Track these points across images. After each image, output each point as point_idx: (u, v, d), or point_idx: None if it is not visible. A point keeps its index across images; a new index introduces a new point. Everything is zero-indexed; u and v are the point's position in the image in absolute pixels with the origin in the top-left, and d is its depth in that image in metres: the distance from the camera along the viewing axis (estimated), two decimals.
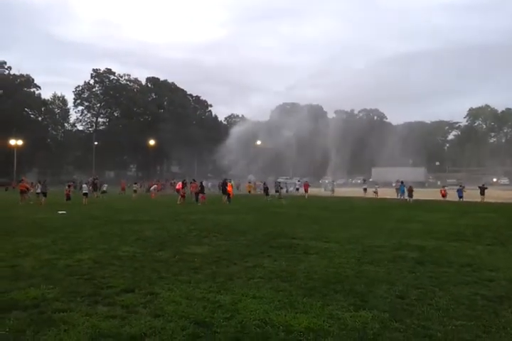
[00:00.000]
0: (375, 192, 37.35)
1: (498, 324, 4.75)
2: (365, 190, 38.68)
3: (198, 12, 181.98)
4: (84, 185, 29.65)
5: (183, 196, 27.24)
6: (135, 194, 33.71)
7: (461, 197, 31.36)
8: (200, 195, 26.98)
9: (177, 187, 30.36)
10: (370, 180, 79.66)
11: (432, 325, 4.70)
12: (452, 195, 32.23)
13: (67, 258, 8.22)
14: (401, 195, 33.39)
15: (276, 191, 34.07)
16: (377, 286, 6.29)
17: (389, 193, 36.25)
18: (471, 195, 31.34)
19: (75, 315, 4.95)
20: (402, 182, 35.13)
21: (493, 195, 33.16)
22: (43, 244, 10.06)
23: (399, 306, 5.35)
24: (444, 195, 32.82)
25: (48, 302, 5.41)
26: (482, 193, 31.08)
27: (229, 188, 28.57)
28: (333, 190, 42.13)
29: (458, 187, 33.05)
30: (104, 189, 35.39)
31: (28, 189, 27.63)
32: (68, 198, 26.25)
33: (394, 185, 36.78)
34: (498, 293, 5.94)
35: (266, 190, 32.23)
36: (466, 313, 5.10)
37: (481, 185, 32.46)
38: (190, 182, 30.36)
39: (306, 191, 39.00)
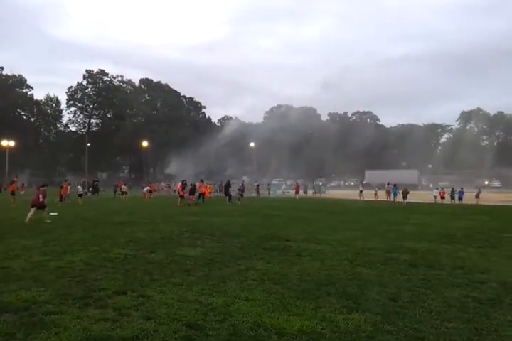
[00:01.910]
0: (360, 192, 37.81)
1: (490, 326, 4.78)
2: (360, 192, 38.75)
3: (194, 12, 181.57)
4: (79, 186, 29.75)
5: (181, 197, 27.21)
6: (126, 195, 33.68)
7: (460, 199, 31.84)
8: (189, 197, 26.97)
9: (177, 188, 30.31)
10: (364, 182, 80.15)
11: (424, 328, 4.71)
12: (446, 198, 32.88)
13: (58, 260, 8.15)
14: (394, 198, 33.68)
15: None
16: (369, 288, 6.30)
17: (380, 196, 36.44)
18: (467, 197, 31.99)
19: (66, 317, 4.91)
20: (395, 185, 35.36)
21: (484, 198, 33.47)
22: (34, 245, 9.98)
23: (391, 309, 5.36)
24: (442, 197, 33.40)
25: (39, 304, 5.36)
26: (477, 196, 31.75)
27: (207, 190, 29.03)
28: (319, 192, 42.44)
29: (459, 189, 33.64)
30: (125, 190, 35.44)
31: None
32: (60, 199, 26.02)
33: (386, 187, 36.88)
34: (489, 296, 5.98)
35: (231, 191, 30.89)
36: (458, 316, 5.12)
37: (478, 189, 33.52)
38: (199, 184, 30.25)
39: (297, 192, 39.31)
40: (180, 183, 29.81)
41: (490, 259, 8.82)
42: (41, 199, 15.54)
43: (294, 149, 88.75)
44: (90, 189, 37.47)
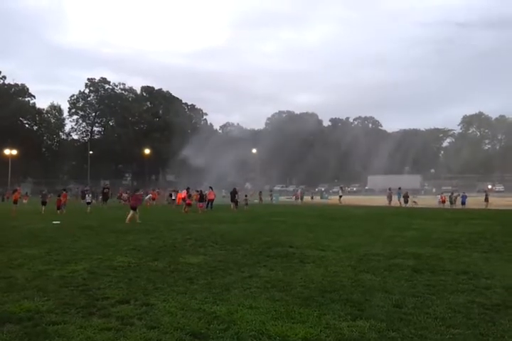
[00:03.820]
0: (340, 197, 39.28)
1: (495, 332, 4.73)
2: (340, 197, 39.59)
3: (195, 18, 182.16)
4: (87, 195, 30.29)
5: (188, 204, 27.47)
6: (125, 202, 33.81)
7: (463, 203, 31.75)
8: (199, 204, 27.25)
9: (182, 195, 30.48)
10: (366, 187, 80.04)
11: (429, 334, 4.67)
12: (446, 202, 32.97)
13: (61, 269, 8.14)
14: (399, 200, 34.20)
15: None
16: (373, 295, 6.26)
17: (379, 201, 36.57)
18: (470, 201, 31.93)
19: (69, 327, 4.89)
20: (399, 188, 36.32)
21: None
22: (37, 254, 9.97)
23: (396, 315, 5.32)
24: (443, 201, 33.56)
25: (42, 314, 5.34)
26: (486, 199, 31.96)
27: (211, 196, 29.41)
28: (301, 198, 43.02)
29: (461, 193, 33.72)
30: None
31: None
32: (58, 208, 26.15)
33: (387, 192, 37.16)
34: (494, 301, 5.93)
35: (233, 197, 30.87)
36: (463, 322, 5.08)
37: (486, 193, 34.10)
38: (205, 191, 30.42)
39: (301, 198, 40.17)
40: (184, 191, 29.97)
41: (495, 264, 8.76)
42: (138, 203, 19.67)
43: (296, 155, 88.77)
44: (100, 197, 37.21)
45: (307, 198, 45.83)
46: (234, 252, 10.36)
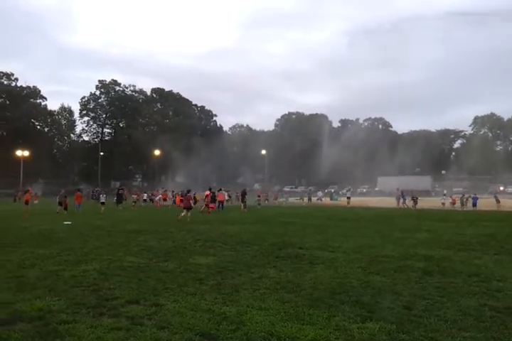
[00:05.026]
0: (348, 199, 38.73)
1: (508, 335, 4.69)
2: (348, 198, 39.39)
3: (203, 19, 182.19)
4: (101, 195, 30.59)
5: (207, 205, 27.92)
6: (135, 204, 33.86)
7: (474, 205, 31.41)
8: (210, 205, 27.56)
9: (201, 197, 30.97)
10: (376, 189, 79.61)
11: (439, 337, 4.64)
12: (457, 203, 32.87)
13: (72, 269, 8.21)
14: (403, 202, 34.55)
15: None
16: (383, 297, 6.23)
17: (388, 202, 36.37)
18: (482, 203, 31.70)
19: (80, 326, 4.93)
20: (401, 192, 36.70)
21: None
22: (48, 254, 10.06)
23: (406, 317, 5.29)
24: (454, 203, 33.46)
25: (53, 313, 5.40)
26: (498, 200, 31.69)
27: (220, 198, 29.71)
28: (333, 199, 43.17)
29: (472, 195, 33.45)
30: (145, 198, 35.81)
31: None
32: (65, 208, 26.41)
33: (396, 193, 37.14)
34: (506, 304, 5.86)
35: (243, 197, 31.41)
36: (475, 325, 5.03)
37: (495, 194, 34.65)
38: (216, 191, 30.73)
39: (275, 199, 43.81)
40: (208, 192, 30.16)
41: (506, 266, 8.67)
42: (191, 203, 20.91)
43: (306, 156, 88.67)
44: (114, 198, 37.13)
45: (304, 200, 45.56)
46: (243, 253, 10.36)
